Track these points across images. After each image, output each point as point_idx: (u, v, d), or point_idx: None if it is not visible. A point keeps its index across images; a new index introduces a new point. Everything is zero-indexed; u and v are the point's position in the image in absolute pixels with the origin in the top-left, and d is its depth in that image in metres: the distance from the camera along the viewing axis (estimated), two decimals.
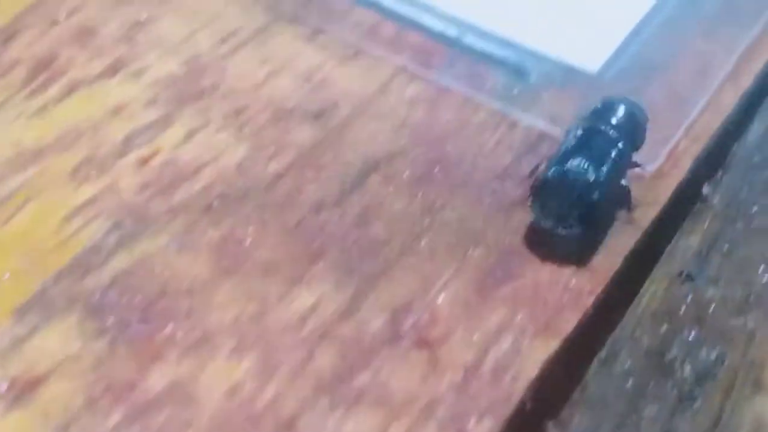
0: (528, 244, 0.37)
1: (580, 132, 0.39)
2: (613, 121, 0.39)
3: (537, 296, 0.36)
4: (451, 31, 0.44)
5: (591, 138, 0.38)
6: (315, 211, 0.37)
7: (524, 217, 0.38)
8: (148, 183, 0.37)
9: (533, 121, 0.41)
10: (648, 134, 0.39)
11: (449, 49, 0.43)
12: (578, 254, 0.37)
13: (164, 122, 0.39)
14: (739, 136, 0.43)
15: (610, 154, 0.38)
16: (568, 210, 0.37)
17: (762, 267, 0.38)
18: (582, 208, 0.37)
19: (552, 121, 0.41)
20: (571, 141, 0.38)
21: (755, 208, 0.40)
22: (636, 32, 0.44)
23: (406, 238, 0.37)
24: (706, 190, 0.41)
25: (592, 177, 0.37)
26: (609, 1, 0.45)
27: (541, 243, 0.37)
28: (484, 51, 0.43)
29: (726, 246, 0.39)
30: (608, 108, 0.39)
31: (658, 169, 0.40)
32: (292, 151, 0.39)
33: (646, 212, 0.39)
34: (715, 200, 0.41)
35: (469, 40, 0.44)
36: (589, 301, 0.36)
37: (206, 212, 0.37)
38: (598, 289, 0.36)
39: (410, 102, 0.41)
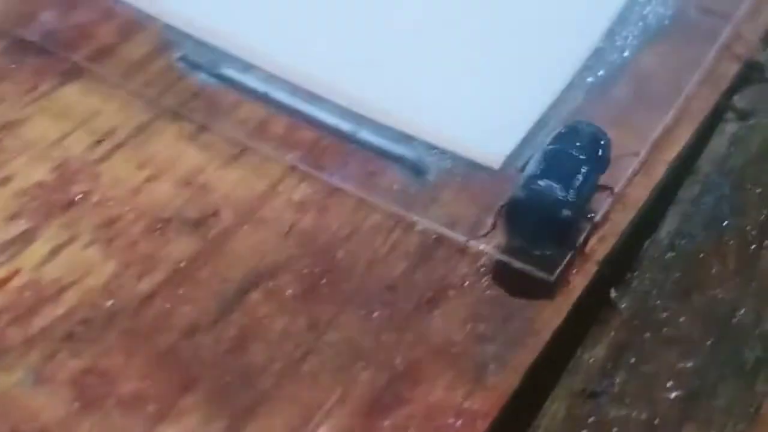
0: (493, 279, 0.37)
1: (547, 154, 0.38)
2: (579, 144, 0.39)
3: (428, 422, 0.34)
4: (346, 126, 0.42)
5: (559, 159, 0.38)
6: (188, 335, 0.35)
7: (418, 332, 0.36)
8: (5, 308, 0.35)
9: (430, 223, 0.39)
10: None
11: (343, 146, 0.41)
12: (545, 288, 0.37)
13: (27, 238, 0.37)
14: (651, 233, 0.41)
15: (578, 174, 0.38)
16: (538, 229, 0.37)
17: (670, 383, 0.36)
18: (552, 226, 0.37)
19: (451, 223, 0.39)
20: (539, 163, 0.38)
21: (665, 315, 0.38)
22: (542, 123, 0.42)
23: (287, 362, 0.35)
24: (613, 294, 0.39)
25: (561, 195, 0.37)
26: (512, 92, 0.43)
27: (506, 279, 0.37)
28: (380, 147, 0.41)
29: (633, 359, 0.37)
30: (573, 132, 0.39)
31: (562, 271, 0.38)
32: (166, 266, 0.37)
33: (549, 321, 0.37)
34: (623, 305, 0.38)
35: (365, 135, 0.41)
36: (483, 425, 0.34)
37: (67, 341, 0.34)
38: (494, 412, 0.34)
39: (299, 206, 0.39)
